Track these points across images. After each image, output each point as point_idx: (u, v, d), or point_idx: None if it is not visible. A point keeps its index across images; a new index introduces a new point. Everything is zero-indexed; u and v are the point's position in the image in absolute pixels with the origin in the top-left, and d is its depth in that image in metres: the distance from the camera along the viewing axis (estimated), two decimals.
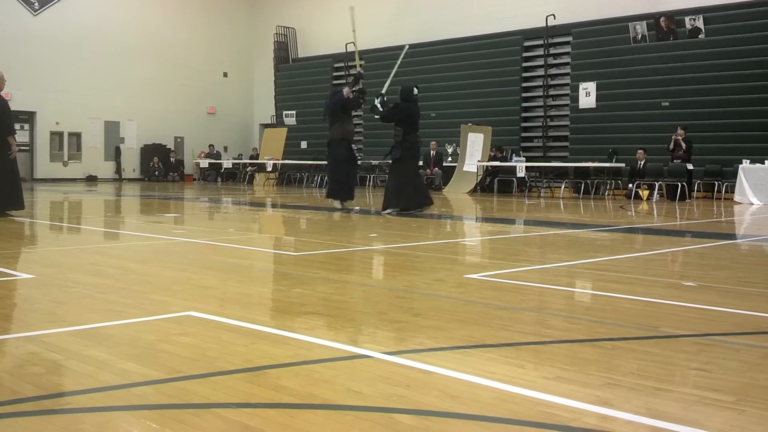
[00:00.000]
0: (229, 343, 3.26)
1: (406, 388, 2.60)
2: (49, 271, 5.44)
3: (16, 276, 5.11)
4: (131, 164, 27.77)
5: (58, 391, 2.60)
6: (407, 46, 12.88)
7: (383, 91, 12.32)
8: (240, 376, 2.75)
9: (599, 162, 17.90)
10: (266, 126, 28.85)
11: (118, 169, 27.37)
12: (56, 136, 26.05)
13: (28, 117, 25.27)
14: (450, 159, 21.10)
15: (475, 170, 19.49)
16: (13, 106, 23.60)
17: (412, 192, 11.58)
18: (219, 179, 27.23)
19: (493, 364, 2.93)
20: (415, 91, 11.80)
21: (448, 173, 20.62)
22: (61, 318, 3.81)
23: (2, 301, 4.24)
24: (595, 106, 19.31)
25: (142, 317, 3.83)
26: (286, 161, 25.27)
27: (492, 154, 19.67)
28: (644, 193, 16.59)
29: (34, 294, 4.47)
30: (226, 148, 29.54)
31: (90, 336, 3.44)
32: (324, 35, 27.00)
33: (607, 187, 17.66)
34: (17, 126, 22.82)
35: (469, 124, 20.63)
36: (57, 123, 25.76)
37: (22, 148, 23.57)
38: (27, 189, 19.44)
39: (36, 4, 25.24)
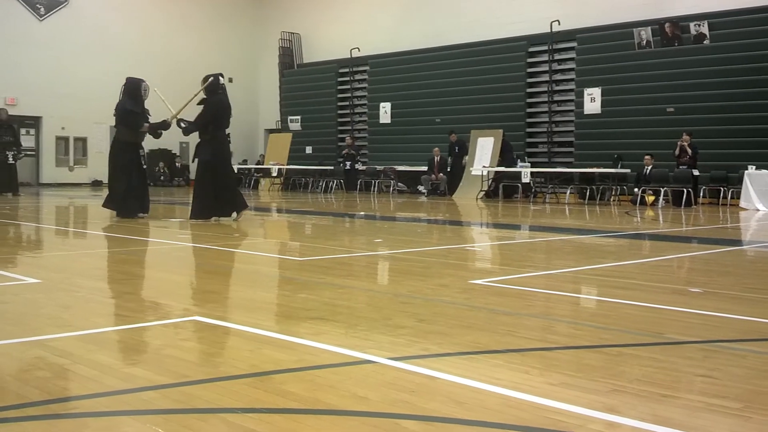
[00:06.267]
0: (234, 348, 3.27)
1: (411, 393, 2.60)
2: (55, 275, 5.45)
3: (22, 280, 5.12)
4: None
5: (63, 395, 2.61)
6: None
7: (170, 119, 10.69)
8: (245, 381, 2.75)
9: (604, 168, 17.89)
10: (271, 131, 28.89)
11: None
12: (62, 141, 26.12)
13: (34, 122, 25.34)
14: (449, 169, 21.05)
15: (481, 174, 19.45)
16: (19, 111, 23.90)
17: (232, 197, 10.53)
18: None
19: (499, 370, 2.93)
20: (222, 80, 10.48)
21: (453, 179, 20.62)
22: (67, 322, 3.81)
23: (9, 306, 4.25)
24: (600, 112, 19.30)
25: (148, 322, 3.84)
26: (291, 166, 25.31)
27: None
28: (650, 199, 16.56)
29: (40, 298, 4.48)
30: (231, 153, 29.58)
31: (96, 340, 3.45)
32: (328, 41, 27.05)
33: (613, 192, 17.64)
34: (23, 131, 23.05)
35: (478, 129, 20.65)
36: (63, 128, 25.82)
37: (28, 153, 23.65)
38: (32, 194, 19.53)
39: (42, 9, 25.33)
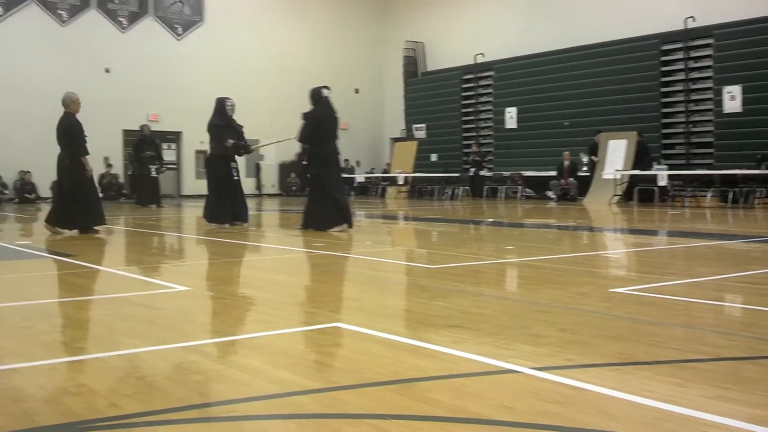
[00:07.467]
0: (377, 354, 3.31)
1: (559, 405, 2.56)
2: (201, 283, 5.72)
3: (172, 288, 5.40)
4: (270, 180, 28.80)
5: (220, 398, 2.73)
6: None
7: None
8: (391, 388, 2.78)
9: (747, 169, 16.96)
10: (397, 140, 29.19)
11: (258, 185, 28.44)
12: (201, 155, 27.36)
13: (175, 137, 26.74)
14: (585, 169, 20.57)
15: (613, 178, 18.87)
16: (161, 127, 25.28)
17: (336, 210, 10.30)
18: (352, 193, 27.78)
19: (649, 382, 2.83)
20: (325, 92, 10.32)
21: (584, 183, 20.13)
22: (217, 328, 3.99)
23: (162, 312, 4.49)
24: (741, 111, 18.32)
25: (293, 328, 3.96)
26: (417, 174, 25.48)
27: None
28: None
29: (191, 305, 4.71)
30: (358, 163, 30.11)
31: (245, 345, 3.59)
32: (451, 48, 27.08)
33: (757, 195, 16.68)
34: (165, 146, 24.35)
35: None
36: (201, 142, 26.92)
37: (170, 166, 24.96)
38: (174, 205, 20.57)
39: (179, 29, 26.72)
